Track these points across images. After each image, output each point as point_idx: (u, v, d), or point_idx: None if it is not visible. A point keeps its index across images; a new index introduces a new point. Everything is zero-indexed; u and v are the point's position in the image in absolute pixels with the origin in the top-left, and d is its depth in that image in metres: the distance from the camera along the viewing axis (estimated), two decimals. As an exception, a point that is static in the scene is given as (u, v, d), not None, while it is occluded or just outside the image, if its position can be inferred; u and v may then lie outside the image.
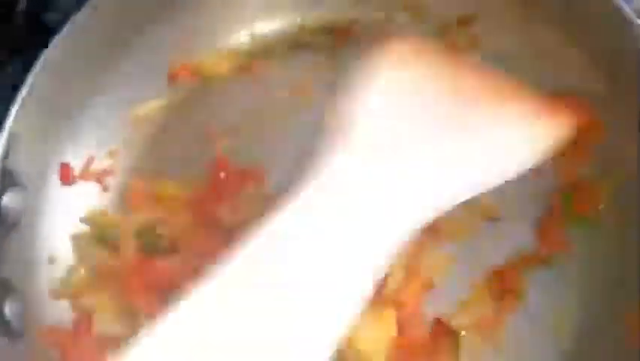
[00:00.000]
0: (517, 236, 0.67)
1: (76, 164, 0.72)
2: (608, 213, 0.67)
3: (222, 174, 0.72)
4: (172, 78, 0.77)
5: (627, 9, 0.63)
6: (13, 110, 0.62)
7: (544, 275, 0.66)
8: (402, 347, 0.63)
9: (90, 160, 0.73)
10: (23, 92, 0.63)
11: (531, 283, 0.65)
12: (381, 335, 0.62)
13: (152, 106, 0.77)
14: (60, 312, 0.66)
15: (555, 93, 0.68)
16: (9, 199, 0.62)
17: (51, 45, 0.66)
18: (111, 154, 0.74)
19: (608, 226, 0.67)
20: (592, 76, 0.69)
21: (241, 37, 0.80)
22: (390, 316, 0.63)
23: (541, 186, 0.69)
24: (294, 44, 0.80)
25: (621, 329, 0.61)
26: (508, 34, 0.74)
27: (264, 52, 0.79)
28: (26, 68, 0.65)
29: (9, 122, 0.62)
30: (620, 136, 0.67)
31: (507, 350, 0.63)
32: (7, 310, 0.60)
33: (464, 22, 0.77)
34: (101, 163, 0.74)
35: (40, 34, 0.72)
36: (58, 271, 0.68)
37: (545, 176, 0.68)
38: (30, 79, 0.64)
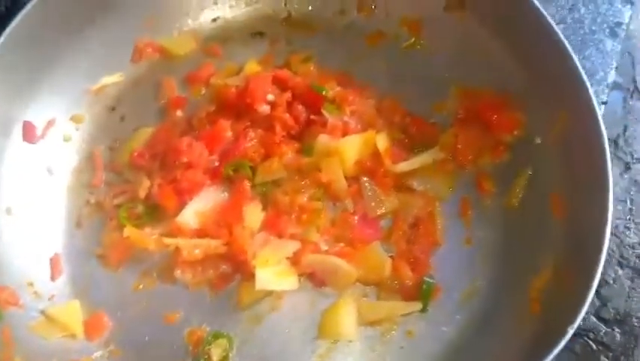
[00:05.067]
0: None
1: (39, 124, 0.76)
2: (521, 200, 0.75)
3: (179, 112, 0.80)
4: (137, 54, 0.83)
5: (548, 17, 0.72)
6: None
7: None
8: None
9: (52, 121, 0.77)
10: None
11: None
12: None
13: (114, 79, 0.82)
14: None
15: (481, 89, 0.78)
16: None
17: (20, 15, 0.70)
18: (74, 119, 0.80)
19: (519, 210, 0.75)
20: (515, 75, 0.77)
21: (205, 21, 0.86)
22: None
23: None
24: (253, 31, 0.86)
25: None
26: (445, 36, 0.82)
27: (224, 36, 0.86)
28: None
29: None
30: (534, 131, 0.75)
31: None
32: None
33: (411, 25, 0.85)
34: (63, 126, 0.79)
35: None
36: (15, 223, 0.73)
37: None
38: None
